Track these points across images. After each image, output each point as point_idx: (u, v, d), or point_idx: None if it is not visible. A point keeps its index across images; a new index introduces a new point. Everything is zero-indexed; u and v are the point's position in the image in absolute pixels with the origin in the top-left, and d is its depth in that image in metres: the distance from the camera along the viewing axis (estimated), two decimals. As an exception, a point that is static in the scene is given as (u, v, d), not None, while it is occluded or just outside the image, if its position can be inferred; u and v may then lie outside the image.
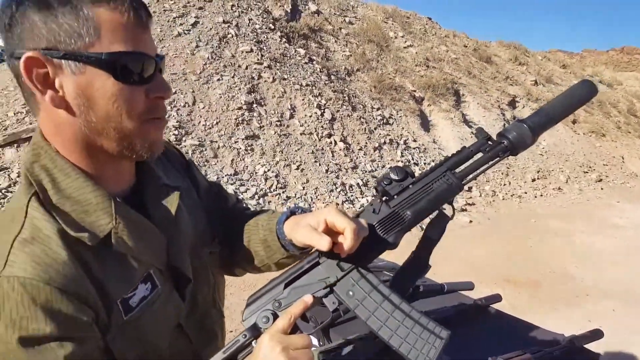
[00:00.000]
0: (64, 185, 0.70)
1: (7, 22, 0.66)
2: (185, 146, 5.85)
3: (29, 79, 0.65)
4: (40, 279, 0.61)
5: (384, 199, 0.83)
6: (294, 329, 0.73)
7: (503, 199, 8.56)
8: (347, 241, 0.71)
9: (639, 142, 15.72)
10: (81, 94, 0.67)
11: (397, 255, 1.10)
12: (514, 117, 11.89)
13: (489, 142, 0.87)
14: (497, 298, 1.71)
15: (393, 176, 0.83)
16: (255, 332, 0.74)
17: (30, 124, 5.35)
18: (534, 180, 9.88)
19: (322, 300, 0.77)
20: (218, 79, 6.77)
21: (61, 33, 0.64)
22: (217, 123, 6.33)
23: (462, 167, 0.85)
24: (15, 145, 5.20)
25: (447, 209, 0.89)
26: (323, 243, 0.73)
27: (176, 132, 5.91)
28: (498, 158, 0.86)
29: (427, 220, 0.91)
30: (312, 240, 0.75)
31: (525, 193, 9.14)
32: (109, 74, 0.66)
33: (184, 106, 6.29)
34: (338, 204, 6.04)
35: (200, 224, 0.91)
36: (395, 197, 0.83)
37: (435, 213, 0.88)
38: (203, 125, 6.24)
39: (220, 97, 6.59)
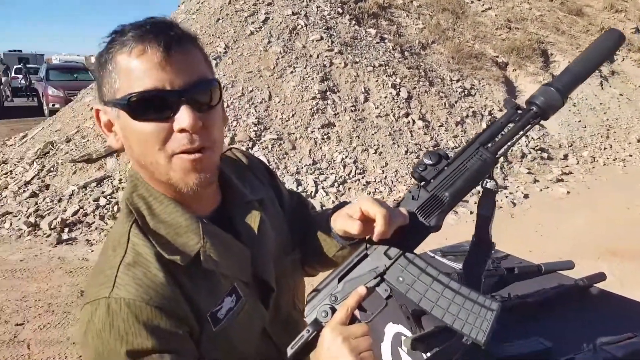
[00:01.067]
0: (158, 211, 0.75)
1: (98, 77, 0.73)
2: (264, 141, 5.82)
3: (99, 125, 0.75)
4: (142, 300, 0.67)
5: (421, 184, 0.81)
6: (352, 320, 0.75)
7: (604, 164, 7.61)
8: (378, 227, 0.72)
9: None
10: (124, 135, 0.72)
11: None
12: (613, 73, 10.47)
13: (519, 111, 0.84)
14: (601, 277, 1.51)
15: (427, 161, 0.81)
16: (317, 326, 0.76)
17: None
18: (639, 140, 8.64)
19: (375, 289, 0.78)
20: (291, 72, 6.64)
21: (107, 85, 0.70)
22: (293, 115, 6.22)
23: (495, 140, 0.82)
24: (115, 154, 5.51)
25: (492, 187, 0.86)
26: (355, 227, 0.74)
27: (255, 129, 5.90)
28: (530, 125, 0.83)
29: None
30: (347, 226, 0.76)
31: (630, 156, 8.08)
32: (128, 113, 0.68)
33: (261, 102, 6.25)
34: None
35: (282, 233, 0.93)
36: (431, 181, 0.81)
37: (481, 191, 0.85)
38: (280, 118, 6.17)
39: (295, 89, 6.46)
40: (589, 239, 4.71)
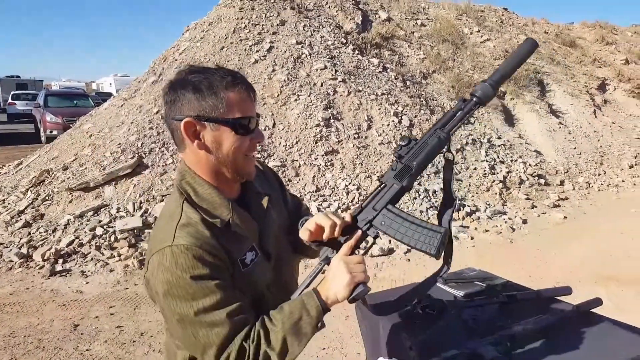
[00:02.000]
0: (201, 192, 1.04)
1: (172, 99, 1.02)
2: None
3: (186, 133, 1.00)
4: (195, 245, 0.96)
5: (398, 159, 1.10)
6: (352, 254, 1.05)
7: (599, 190, 7.49)
8: (325, 233, 1.05)
9: None
10: (215, 141, 1.02)
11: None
12: (605, 102, 10.43)
13: (464, 102, 1.12)
14: (597, 302, 1.54)
15: (402, 143, 1.11)
16: (327, 260, 1.07)
17: (126, 162, 5.35)
18: (631, 167, 8.63)
19: (367, 233, 1.09)
20: (295, 99, 6.45)
21: (207, 107, 0.99)
22: (296, 142, 6.00)
23: (448, 123, 1.10)
24: (114, 182, 5.22)
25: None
26: (305, 236, 1.07)
27: (259, 156, 5.65)
28: (472, 110, 1.10)
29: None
30: (302, 235, 1.09)
31: (623, 182, 7.99)
32: (232, 130, 1.01)
33: (265, 129, 6.02)
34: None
35: (283, 220, 1.24)
36: (405, 156, 1.10)
37: (442, 160, 1.14)
38: (284, 145, 5.93)
39: (298, 116, 6.25)
40: (586, 264, 4.60)
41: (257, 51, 7.03)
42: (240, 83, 1.02)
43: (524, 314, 1.48)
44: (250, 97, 1.03)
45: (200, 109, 0.99)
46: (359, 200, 5.53)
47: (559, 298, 1.62)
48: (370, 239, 1.10)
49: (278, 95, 6.44)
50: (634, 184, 7.88)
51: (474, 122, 7.84)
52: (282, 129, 6.11)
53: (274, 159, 5.72)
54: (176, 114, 1.01)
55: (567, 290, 1.68)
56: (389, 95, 7.12)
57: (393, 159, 1.11)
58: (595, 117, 9.64)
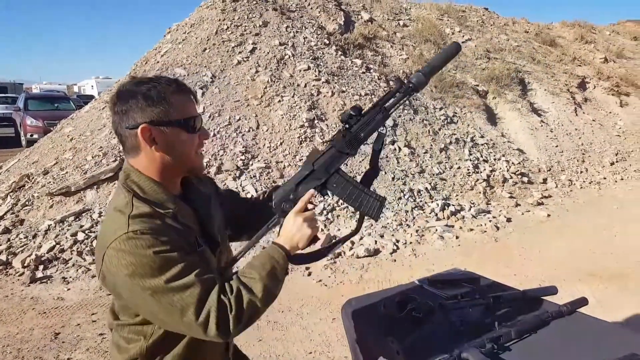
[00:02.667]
0: (147, 190, 1.11)
1: (123, 109, 1.08)
2: (252, 170, 5.53)
3: (143, 139, 1.08)
4: (151, 228, 1.03)
5: (346, 126, 1.26)
6: (305, 209, 1.22)
7: (581, 187, 7.57)
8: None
9: None
10: (169, 143, 1.10)
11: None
12: (585, 100, 10.57)
13: (402, 85, 1.27)
14: (582, 302, 1.56)
15: (352, 112, 1.24)
16: (283, 213, 1.22)
17: (107, 165, 5.25)
18: (612, 164, 8.74)
19: (320, 191, 1.26)
20: (279, 101, 6.41)
21: (159, 112, 1.08)
22: (281, 144, 5.96)
23: (388, 102, 1.26)
24: (96, 186, 5.12)
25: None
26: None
27: (243, 157, 5.60)
28: (409, 95, 1.27)
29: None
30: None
31: (605, 179, 8.07)
32: (183, 130, 1.11)
33: (249, 131, 5.98)
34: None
35: (220, 216, 1.32)
36: (354, 125, 1.25)
37: (376, 133, 1.29)
38: (268, 147, 5.89)
39: (282, 117, 6.22)
40: (570, 262, 4.63)
41: (239, 52, 6.97)
42: (184, 87, 1.14)
43: (511, 315, 1.49)
44: (192, 100, 1.15)
45: (153, 115, 1.07)
46: (344, 202, 5.50)
47: (544, 298, 1.62)
48: (326, 201, 1.54)
49: (262, 97, 6.40)
50: (616, 181, 7.99)
51: (457, 121, 7.89)
52: (266, 131, 6.07)
53: (258, 161, 5.68)
54: (129, 123, 1.08)
55: (552, 290, 1.68)
56: (373, 96, 7.12)
57: (343, 127, 1.26)
58: (576, 115, 9.78)
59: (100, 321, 3.41)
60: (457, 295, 1.69)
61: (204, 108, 6.09)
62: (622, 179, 8.16)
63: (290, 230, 1.17)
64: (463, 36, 10.26)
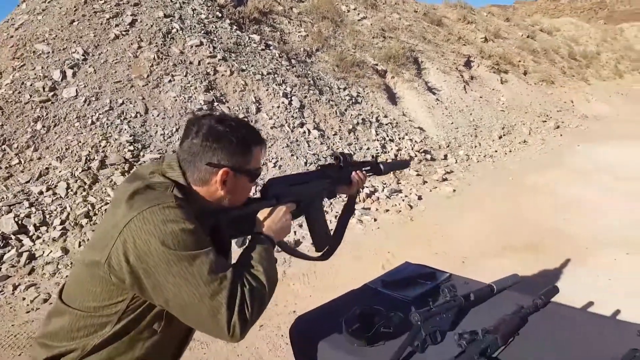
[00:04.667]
0: (190, 200, 1.13)
1: (213, 147, 1.13)
2: (144, 161, 4.84)
3: (219, 180, 1.13)
4: (187, 213, 1.05)
5: (341, 164, 1.59)
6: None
7: (477, 161, 8.05)
8: None
9: (583, 85, 15.57)
10: (234, 187, 1.17)
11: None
12: (472, 78, 11.26)
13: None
14: (554, 291, 1.55)
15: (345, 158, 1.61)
16: (276, 201, 1.32)
17: None
18: (500, 137, 9.43)
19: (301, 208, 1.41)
20: (169, 80, 5.73)
21: (241, 160, 1.16)
22: (177, 130, 5.33)
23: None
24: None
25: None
26: None
27: (131, 148, 4.88)
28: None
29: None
30: None
31: (496, 151, 8.68)
32: (250, 179, 1.20)
33: (136, 117, 5.24)
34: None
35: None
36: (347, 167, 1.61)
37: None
38: (161, 134, 5.22)
39: (176, 100, 5.56)
40: (484, 236, 4.79)
41: (116, 25, 6.09)
42: (262, 140, 1.24)
43: (485, 316, 1.40)
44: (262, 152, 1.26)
45: (235, 161, 1.15)
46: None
47: (515, 292, 1.59)
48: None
49: (148, 76, 5.65)
50: (505, 154, 8.61)
51: (361, 101, 7.85)
52: (158, 116, 5.38)
53: (151, 151, 5.00)
54: (213, 160, 1.13)
55: (516, 279, 1.65)
56: (276, 75, 6.73)
57: (337, 162, 1.58)
58: (466, 92, 10.37)
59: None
60: (418, 296, 1.61)
61: (76, 91, 5.20)
62: (510, 151, 8.83)
63: (279, 222, 1.24)
64: (358, 14, 10.25)
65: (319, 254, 1.55)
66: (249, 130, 1.19)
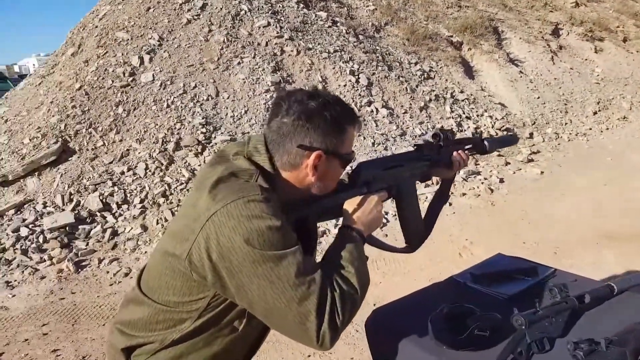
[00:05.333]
0: (278, 190, 1.06)
1: (306, 126, 1.03)
2: (216, 143, 5.10)
3: (313, 164, 1.04)
4: (273, 208, 0.96)
5: (440, 144, 1.43)
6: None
7: (569, 140, 7.49)
8: None
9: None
10: (327, 172, 1.08)
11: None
12: (561, 47, 10.45)
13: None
14: None
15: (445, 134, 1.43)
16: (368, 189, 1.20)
17: (48, 148, 4.71)
18: (595, 113, 8.70)
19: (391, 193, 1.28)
20: (238, 63, 5.93)
21: (334, 142, 1.06)
22: (245, 112, 5.53)
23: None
24: (37, 173, 4.60)
25: None
26: None
27: (204, 130, 5.15)
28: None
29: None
30: None
31: (590, 129, 8.03)
32: (341, 163, 1.10)
33: (207, 100, 5.50)
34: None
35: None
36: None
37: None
38: (231, 117, 5.45)
39: (244, 82, 5.76)
40: (579, 223, 4.41)
41: (188, 10, 6.39)
42: (358, 118, 1.12)
43: (604, 322, 1.19)
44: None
45: (331, 144, 1.05)
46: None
47: (637, 292, 1.34)
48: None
49: (218, 59, 5.89)
50: (601, 131, 7.96)
51: (434, 76, 7.61)
52: (228, 98, 5.61)
53: (222, 133, 5.24)
54: (305, 142, 1.04)
55: (639, 279, 1.39)
56: (343, 52, 6.71)
57: (436, 141, 1.40)
58: (554, 63, 9.66)
59: (53, 334, 3.02)
60: (517, 294, 1.38)
61: (153, 76, 5.55)
62: (607, 129, 8.15)
63: (369, 214, 1.14)
64: (432, -17, 9.86)
65: (406, 245, 1.43)
66: (343, 107, 1.08)
